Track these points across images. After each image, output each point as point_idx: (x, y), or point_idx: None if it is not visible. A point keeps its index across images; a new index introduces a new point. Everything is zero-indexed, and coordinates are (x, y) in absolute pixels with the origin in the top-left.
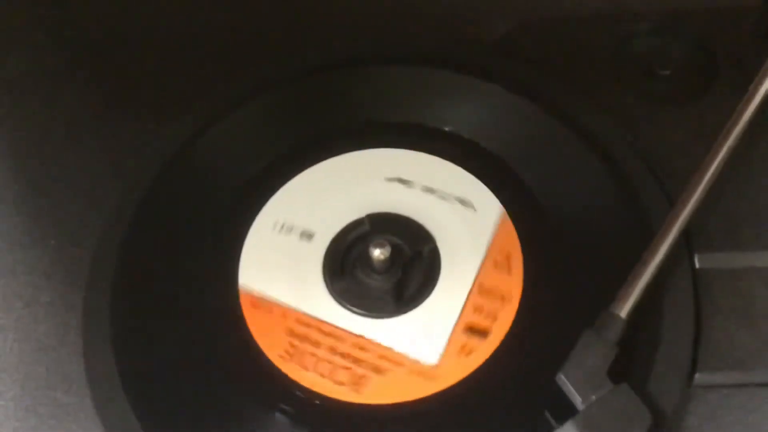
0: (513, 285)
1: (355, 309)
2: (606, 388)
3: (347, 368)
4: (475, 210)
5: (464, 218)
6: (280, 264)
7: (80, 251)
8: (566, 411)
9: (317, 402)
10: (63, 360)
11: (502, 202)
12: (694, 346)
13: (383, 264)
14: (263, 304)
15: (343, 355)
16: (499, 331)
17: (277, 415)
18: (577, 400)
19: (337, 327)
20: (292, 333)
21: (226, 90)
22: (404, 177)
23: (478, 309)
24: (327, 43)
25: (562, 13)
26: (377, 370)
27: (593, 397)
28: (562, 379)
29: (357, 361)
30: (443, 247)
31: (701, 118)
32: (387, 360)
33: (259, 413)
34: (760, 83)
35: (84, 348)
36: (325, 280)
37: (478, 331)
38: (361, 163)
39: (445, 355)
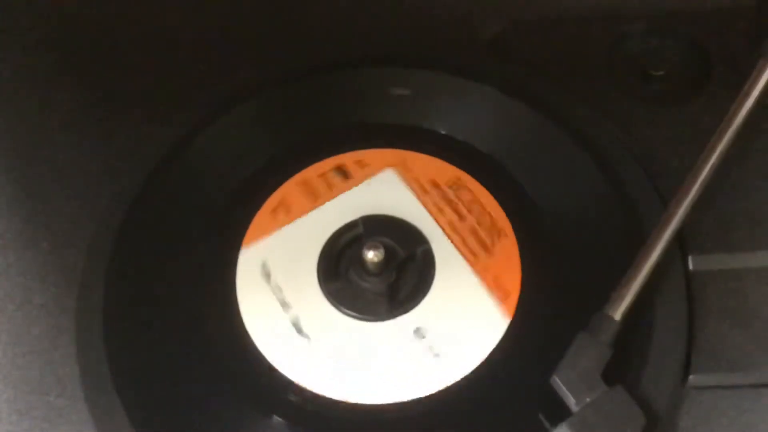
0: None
1: (350, 312)
2: (600, 390)
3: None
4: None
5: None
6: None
7: (73, 253)
8: (560, 413)
9: (314, 402)
10: (56, 362)
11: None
12: (687, 347)
13: (377, 266)
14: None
15: None
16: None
17: (274, 418)
18: (571, 402)
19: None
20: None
21: (220, 91)
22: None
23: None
24: (320, 46)
25: (556, 13)
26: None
27: (587, 399)
28: (556, 381)
29: None
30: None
31: (695, 119)
32: None
33: (255, 416)
34: (754, 84)
35: (77, 350)
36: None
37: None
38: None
39: None
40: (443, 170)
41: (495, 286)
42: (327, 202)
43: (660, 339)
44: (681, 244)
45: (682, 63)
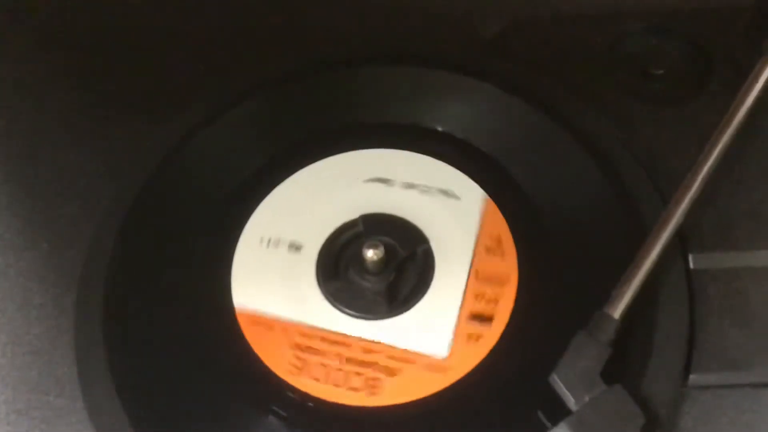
0: (508, 284)
1: (351, 311)
2: (599, 389)
3: (359, 374)
4: (465, 207)
5: (456, 216)
6: (273, 268)
7: (73, 254)
8: (560, 412)
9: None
10: (55, 363)
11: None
12: (688, 346)
13: (377, 265)
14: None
15: (352, 362)
16: (501, 319)
17: (272, 418)
18: (570, 401)
19: (340, 333)
20: (297, 347)
21: (218, 91)
22: (399, 178)
23: (479, 296)
24: (319, 45)
25: (556, 12)
26: (390, 372)
27: (586, 398)
28: (555, 380)
29: (367, 364)
30: (436, 245)
31: (695, 118)
32: (397, 360)
33: (255, 419)
34: (754, 82)
35: (76, 351)
36: (319, 284)
37: (483, 318)
38: (354, 164)
39: (454, 346)
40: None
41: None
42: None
43: (660, 338)
44: (681, 242)
45: (682, 62)
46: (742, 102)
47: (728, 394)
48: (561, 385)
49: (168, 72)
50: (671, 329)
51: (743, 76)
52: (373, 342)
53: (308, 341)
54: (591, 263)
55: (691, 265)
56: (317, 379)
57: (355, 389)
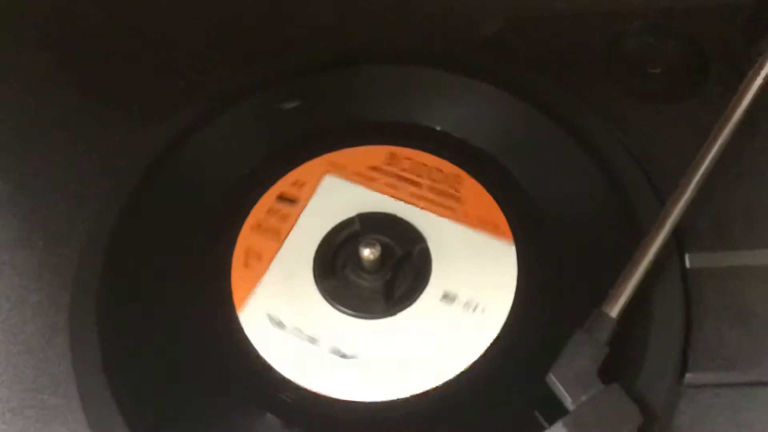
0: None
1: (347, 310)
2: (596, 388)
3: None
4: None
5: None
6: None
7: (68, 252)
8: (557, 411)
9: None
10: (50, 361)
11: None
12: (684, 345)
13: (374, 264)
14: None
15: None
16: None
17: (269, 416)
18: (567, 401)
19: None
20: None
21: (216, 90)
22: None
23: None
24: (318, 43)
25: (553, 11)
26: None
27: (583, 397)
28: (552, 380)
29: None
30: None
31: (692, 117)
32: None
33: (251, 416)
34: (751, 81)
35: (71, 349)
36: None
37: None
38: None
39: None
40: (373, 153)
41: (482, 223)
42: (288, 236)
43: (657, 337)
44: (678, 241)
45: (679, 60)
46: (739, 101)
47: (724, 392)
48: (558, 384)
49: (164, 72)
50: (667, 328)
51: (741, 75)
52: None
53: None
54: (588, 262)
55: (688, 264)
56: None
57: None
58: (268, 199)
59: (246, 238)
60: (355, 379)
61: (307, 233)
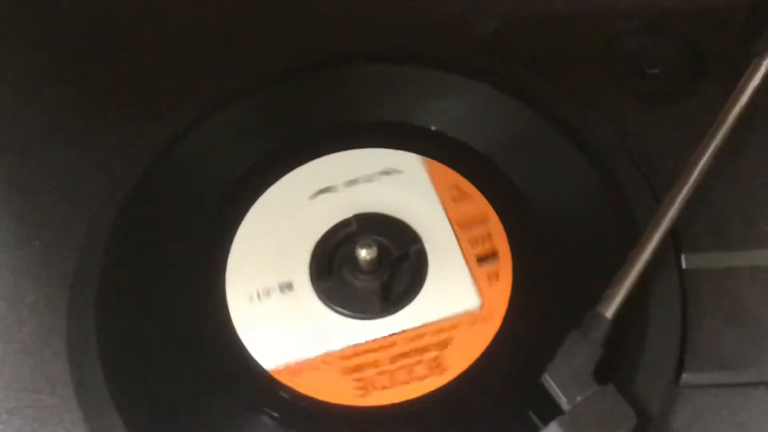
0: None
1: (344, 311)
2: (591, 389)
3: (419, 362)
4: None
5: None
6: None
7: (65, 252)
8: (552, 411)
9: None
10: (48, 361)
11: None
12: (680, 346)
13: (370, 264)
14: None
15: (406, 355)
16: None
17: (264, 417)
18: (562, 401)
19: (376, 340)
20: (349, 371)
21: (211, 90)
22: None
23: (473, 241)
24: (313, 42)
25: (550, 11)
26: (444, 345)
27: (578, 398)
28: (547, 380)
29: (419, 351)
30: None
31: (689, 117)
32: (444, 331)
33: (246, 417)
34: (748, 82)
35: (69, 349)
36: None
37: (489, 256)
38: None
39: (481, 292)
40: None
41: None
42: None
43: (653, 337)
44: (674, 242)
45: (676, 61)
46: (735, 101)
47: (721, 393)
48: (553, 384)
49: (161, 72)
50: (664, 329)
51: (737, 75)
52: (412, 330)
53: (356, 360)
54: (584, 262)
55: (684, 265)
56: (387, 387)
57: (424, 377)
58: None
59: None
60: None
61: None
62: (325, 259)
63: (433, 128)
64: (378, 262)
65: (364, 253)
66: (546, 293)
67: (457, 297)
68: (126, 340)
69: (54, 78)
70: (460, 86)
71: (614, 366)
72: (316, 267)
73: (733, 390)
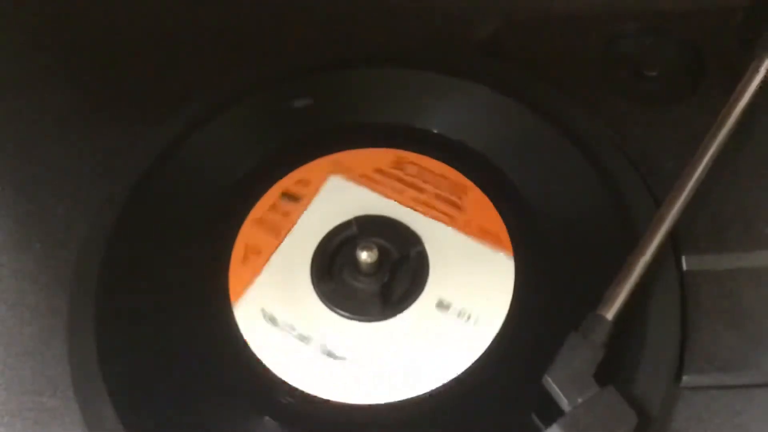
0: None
1: (344, 312)
2: (592, 390)
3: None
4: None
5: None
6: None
7: (66, 254)
8: (553, 413)
9: (311, 405)
10: (48, 363)
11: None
12: (680, 347)
13: (371, 267)
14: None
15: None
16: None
17: (267, 419)
18: (563, 402)
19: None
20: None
21: (213, 91)
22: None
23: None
24: (313, 45)
25: (549, 13)
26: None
27: (579, 400)
28: (548, 382)
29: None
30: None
31: (688, 119)
32: None
33: (249, 419)
34: (746, 84)
35: (69, 351)
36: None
37: None
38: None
39: None
40: (381, 156)
41: (483, 233)
42: (288, 233)
43: (653, 339)
44: (674, 244)
45: (675, 63)
46: (735, 103)
47: (721, 395)
48: (554, 386)
49: (161, 73)
50: (664, 330)
51: (736, 77)
52: None
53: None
54: (584, 264)
55: (684, 267)
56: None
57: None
58: (272, 195)
59: (247, 233)
60: (347, 382)
61: (307, 233)
62: (326, 261)
63: (434, 130)
64: (378, 264)
65: (364, 256)
66: (546, 295)
67: None
68: (126, 343)
69: (54, 80)
70: (460, 88)
71: (615, 367)
72: (317, 269)
73: (733, 391)
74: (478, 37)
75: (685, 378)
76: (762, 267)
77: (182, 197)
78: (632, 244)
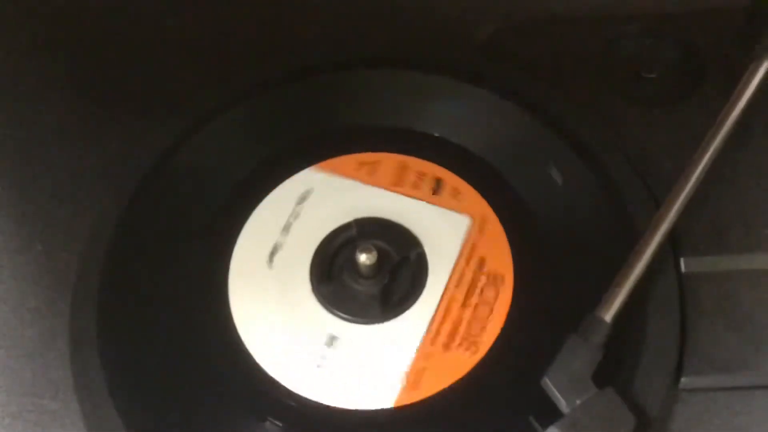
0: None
1: (344, 315)
2: (590, 392)
3: None
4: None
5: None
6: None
7: (67, 256)
8: (551, 414)
9: (310, 409)
10: (49, 366)
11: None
12: (679, 349)
13: (370, 269)
14: None
15: None
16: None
17: (268, 422)
18: (562, 404)
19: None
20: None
21: (213, 94)
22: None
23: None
24: (315, 47)
25: (549, 15)
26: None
27: (578, 401)
28: (547, 383)
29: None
30: (429, 249)
31: (688, 121)
32: None
33: (249, 422)
34: (746, 86)
35: (70, 354)
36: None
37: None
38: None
39: None
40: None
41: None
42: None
43: (652, 341)
44: (673, 245)
45: (675, 65)
46: (734, 105)
47: (720, 396)
48: (552, 388)
49: (163, 75)
50: (663, 332)
51: (736, 79)
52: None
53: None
54: (583, 266)
55: (683, 268)
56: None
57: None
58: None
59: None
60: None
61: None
62: (326, 263)
63: (436, 134)
64: (378, 266)
65: (364, 258)
66: (546, 297)
67: None
68: (128, 345)
69: (56, 82)
70: (459, 91)
71: (613, 369)
72: (316, 271)
73: (732, 393)
74: (477, 39)
75: (683, 380)
76: (761, 269)
77: (183, 199)
78: (631, 246)
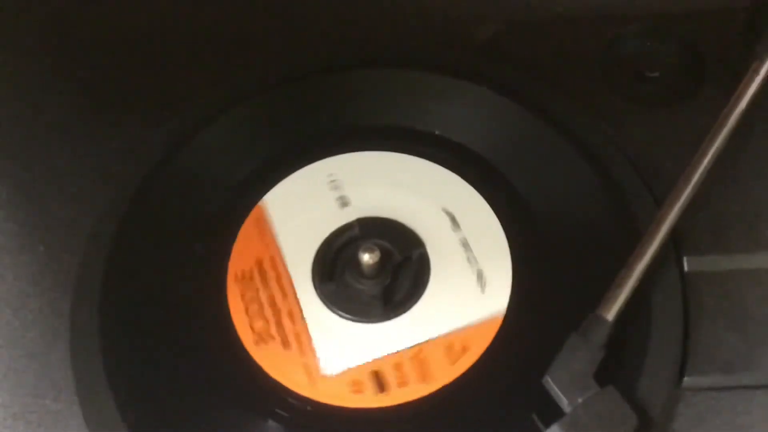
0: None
1: (346, 314)
2: (592, 391)
3: None
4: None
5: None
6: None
7: (69, 257)
8: (553, 413)
9: (310, 408)
10: (52, 367)
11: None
12: (682, 348)
13: (373, 268)
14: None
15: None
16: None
17: (270, 422)
18: (563, 403)
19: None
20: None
21: (215, 94)
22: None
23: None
24: (315, 47)
25: (550, 14)
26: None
27: (579, 400)
28: (549, 382)
29: None
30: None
31: (689, 121)
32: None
33: (252, 422)
34: (747, 86)
35: (72, 355)
36: (315, 286)
37: None
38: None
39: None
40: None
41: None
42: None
43: (654, 340)
44: (676, 245)
45: (676, 65)
46: (735, 104)
47: (722, 396)
48: (554, 386)
49: (164, 75)
50: (665, 331)
51: (737, 78)
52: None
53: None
54: (585, 265)
55: (685, 268)
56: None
57: None
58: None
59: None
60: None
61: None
62: (328, 262)
63: (437, 132)
64: (380, 266)
65: (366, 257)
66: (547, 295)
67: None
68: (130, 346)
69: (56, 82)
70: (460, 90)
71: (615, 368)
72: (318, 271)
73: (734, 393)
74: (478, 39)
75: (686, 379)
76: (763, 268)
77: (184, 199)
78: (633, 245)
